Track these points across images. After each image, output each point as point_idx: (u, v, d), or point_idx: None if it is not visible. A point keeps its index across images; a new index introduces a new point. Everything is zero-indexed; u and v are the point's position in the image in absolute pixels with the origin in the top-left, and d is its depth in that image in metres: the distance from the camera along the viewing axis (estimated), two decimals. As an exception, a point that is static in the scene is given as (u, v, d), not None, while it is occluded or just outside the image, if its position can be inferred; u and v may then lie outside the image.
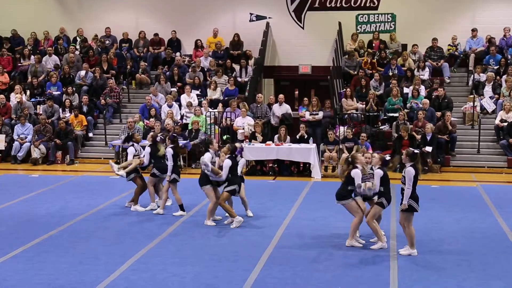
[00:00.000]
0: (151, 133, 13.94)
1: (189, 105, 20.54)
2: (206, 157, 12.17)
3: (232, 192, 12.13)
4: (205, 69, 22.77)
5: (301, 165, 18.12)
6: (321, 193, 15.06)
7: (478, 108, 20.21)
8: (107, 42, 24.28)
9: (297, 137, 18.41)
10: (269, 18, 23.79)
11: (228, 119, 19.64)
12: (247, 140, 18.55)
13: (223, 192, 12.17)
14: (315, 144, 18.08)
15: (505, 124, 19.09)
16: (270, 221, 12.55)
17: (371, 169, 10.81)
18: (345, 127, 18.80)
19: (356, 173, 10.59)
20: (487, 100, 20.47)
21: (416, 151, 10.77)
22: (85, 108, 21.40)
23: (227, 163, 12.02)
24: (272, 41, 23.98)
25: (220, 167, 12.18)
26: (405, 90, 20.73)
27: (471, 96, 20.46)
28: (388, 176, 10.67)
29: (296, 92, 24.00)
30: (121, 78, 23.28)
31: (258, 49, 23.02)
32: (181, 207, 13.02)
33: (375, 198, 10.78)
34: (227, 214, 12.39)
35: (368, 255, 10.33)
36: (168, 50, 23.73)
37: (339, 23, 22.98)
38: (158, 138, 13.59)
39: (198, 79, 21.86)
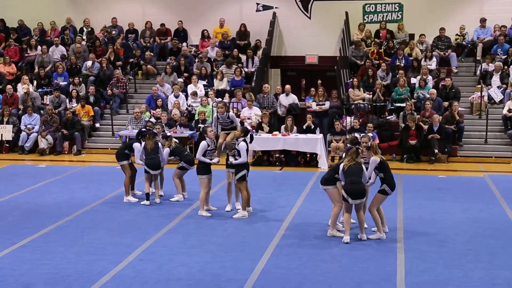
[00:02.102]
0: (161, 135, 13.76)
1: (194, 94, 20.54)
2: (202, 146, 12.14)
3: (243, 178, 12.00)
4: (212, 60, 22.74)
5: (308, 155, 18.10)
6: (328, 183, 15.04)
7: (485, 98, 20.13)
8: (113, 32, 24.26)
9: (304, 127, 18.38)
10: (276, 8, 23.72)
11: (234, 109, 19.62)
12: (254, 130, 18.54)
13: (236, 182, 12.10)
14: (322, 135, 18.06)
15: (513, 114, 19.05)
16: (277, 211, 12.55)
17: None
18: (352, 117, 18.77)
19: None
20: (494, 90, 20.39)
21: (349, 146, 10.66)
22: (92, 99, 21.43)
23: (243, 145, 11.92)
24: (278, 31, 23.92)
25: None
26: (412, 80, 20.67)
27: (479, 86, 20.38)
28: (386, 163, 10.63)
29: (303, 82, 23.97)
30: (128, 69, 23.28)
31: (265, 39, 22.97)
32: (147, 196, 13.13)
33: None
34: (238, 208, 12.37)
35: (375, 246, 10.31)
36: (174, 40, 23.70)
37: (346, 13, 22.90)
38: (168, 133, 13.76)
39: (205, 70, 21.83)
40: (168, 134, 13.90)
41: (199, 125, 18.82)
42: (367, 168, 10.54)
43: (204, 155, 12.12)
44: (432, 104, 19.03)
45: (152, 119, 18.71)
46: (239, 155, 11.90)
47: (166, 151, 13.40)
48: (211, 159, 12.24)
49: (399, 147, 18.55)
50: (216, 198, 13.04)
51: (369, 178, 10.59)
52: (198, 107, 19.95)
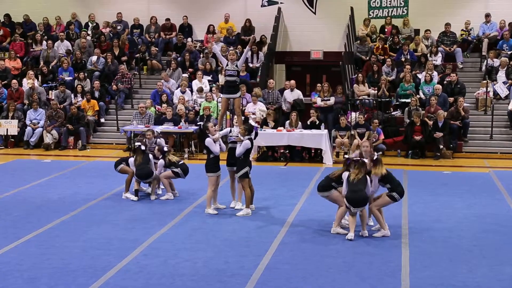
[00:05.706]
0: (157, 147, 13.65)
1: (200, 90, 20.53)
2: (209, 142, 12.10)
3: (245, 175, 11.92)
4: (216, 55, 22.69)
5: (313, 151, 18.10)
6: (333, 179, 15.02)
7: (491, 94, 20.08)
8: (118, 27, 24.28)
9: (308, 122, 18.36)
10: (281, 3, 23.52)
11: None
12: (258, 125, 18.52)
13: (238, 179, 12.08)
14: (326, 130, 18.04)
15: (518, 109, 18.99)
16: (282, 207, 12.55)
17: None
18: (357, 113, 18.76)
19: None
20: (500, 86, 20.34)
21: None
22: (96, 94, 21.44)
23: (247, 144, 11.82)
24: (283, 26, 23.88)
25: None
26: (418, 75, 20.62)
27: (484, 81, 20.33)
28: (389, 174, 10.51)
29: (308, 78, 23.93)
30: (133, 64, 23.28)
31: (270, 35, 22.95)
32: (136, 192, 13.21)
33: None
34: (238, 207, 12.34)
35: (379, 241, 10.30)
36: (179, 35, 23.69)
37: (351, 8, 22.86)
38: (165, 148, 13.50)
39: (209, 65, 21.82)
40: (165, 149, 13.53)
41: (199, 122, 18.79)
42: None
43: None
44: (437, 99, 18.99)
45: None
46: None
47: (160, 162, 13.34)
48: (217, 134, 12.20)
49: (404, 143, 18.51)
50: (220, 195, 13.00)
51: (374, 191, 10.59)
52: (202, 103, 19.94)
